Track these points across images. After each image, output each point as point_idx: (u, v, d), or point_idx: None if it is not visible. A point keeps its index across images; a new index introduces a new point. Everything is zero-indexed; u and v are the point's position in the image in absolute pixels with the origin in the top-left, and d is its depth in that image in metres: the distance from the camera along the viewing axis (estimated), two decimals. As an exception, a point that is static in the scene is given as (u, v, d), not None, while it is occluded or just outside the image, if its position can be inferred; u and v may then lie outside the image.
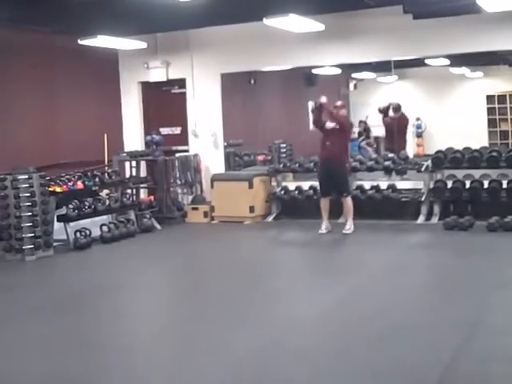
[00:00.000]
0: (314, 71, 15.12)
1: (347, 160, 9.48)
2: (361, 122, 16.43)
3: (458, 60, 13.26)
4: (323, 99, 9.29)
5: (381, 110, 12.40)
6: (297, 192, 10.74)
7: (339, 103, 9.55)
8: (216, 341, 5.05)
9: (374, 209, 10.20)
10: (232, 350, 4.83)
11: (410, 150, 14.32)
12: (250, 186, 10.67)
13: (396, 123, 11.81)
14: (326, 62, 11.60)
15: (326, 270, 7.34)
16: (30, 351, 5.06)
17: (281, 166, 11.18)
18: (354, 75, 16.86)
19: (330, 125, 9.20)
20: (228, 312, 5.81)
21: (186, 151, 11.74)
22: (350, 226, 9.18)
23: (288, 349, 4.82)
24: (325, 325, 5.36)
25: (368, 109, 16.61)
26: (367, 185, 10.42)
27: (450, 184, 9.81)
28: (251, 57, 11.12)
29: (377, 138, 17.17)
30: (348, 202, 9.27)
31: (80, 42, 10.10)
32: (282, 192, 10.80)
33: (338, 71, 14.98)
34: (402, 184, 10.46)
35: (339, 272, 7.19)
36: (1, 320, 5.86)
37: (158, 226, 10.33)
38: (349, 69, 14.83)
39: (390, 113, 11.85)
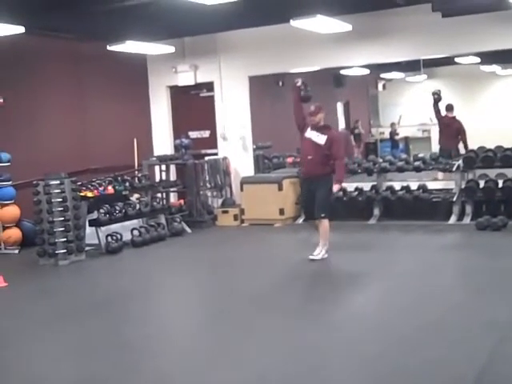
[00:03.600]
0: (342, 72, 15.06)
1: (340, 176, 7.82)
2: (392, 123, 16.34)
3: (488, 57, 13.09)
4: (299, 83, 7.98)
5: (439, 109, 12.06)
6: (326, 194, 10.68)
7: (313, 108, 7.80)
8: (248, 344, 5.03)
9: (404, 210, 10.12)
10: (265, 352, 4.81)
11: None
12: (280, 189, 10.65)
13: (452, 122, 11.71)
14: (354, 62, 11.54)
15: (358, 271, 7.27)
16: (64, 353, 5.12)
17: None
18: (382, 75, 16.76)
19: (313, 137, 7.72)
20: (261, 315, 5.79)
21: (215, 154, 11.77)
22: (319, 252, 7.70)
23: (327, 350, 4.79)
24: (360, 325, 5.32)
25: (398, 109, 16.52)
26: (397, 185, 10.34)
27: (482, 184, 9.69)
28: (279, 59, 11.12)
29: (406, 138, 17.07)
30: (324, 224, 7.74)
31: (109, 47, 10.20)
32: (312, 194, 10.74)
33: (367, 71, 14.90)
34: (432, 184, 10.35)
35: (371, 273, 7.12)
36: (36, 323, 5.93)
37: (188, 230, 10.36)
38: (377, 69, 14.72)
39: (444, 112, 11.78)
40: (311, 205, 7.76)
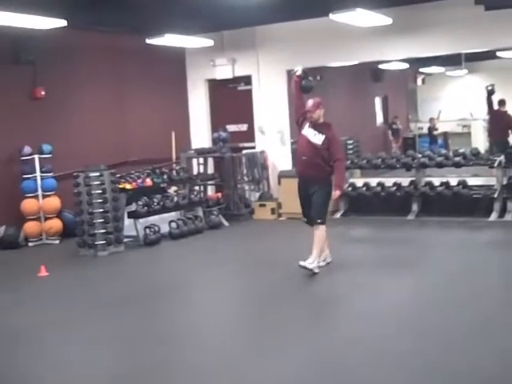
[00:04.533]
0: (381, 66, 14.93)
1: (340, 180, 7.06)
2: (431, 118, 16.15)
3: (532, 52, 12.84)
4: (299, 71, 7.17)
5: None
6: (364, 188, 10.62)
7: (310, 104, 6.92)
8: (288, 337, 5.03)
9: (443, 206, 9.99)
10: (306, 346, 4.81)
11: (481, 145, 13.98)
12: (317, 183, 10.59)
13: (503, 116, 11.83)
14: (394, 56, 11.42)
15: (398, 268, 7.20)
16: (101, 342, 5.19)
17: (348, 162, 11.05)
18: (421, 70, 16.57)
19: (310, 136, 6.88)
20: (301, 308, 5.79)
21: (253, 148, 11.77)
22: (313, 260, 6.82)
23: (368, 345, 4.77)
24: (399, 323, 5.27)
25: (437, 104, 16.31)
26: (436, 181, 10.21)
27: (524, 180, 9.54)
28: (317, 53, 11.05)
29: (445, 133, 16.85)
30: (320, 231, 6.93)
31: (148, 41, 10.26)
32: (350, 189, 10.70)
33: (406, 66, 14.75)
34: (473, 180, 10.20)
35: (411, 271, 7.05)
36: (75, 312, 6.02)
37: (225, 223, 10.40)
38: (417, 63, 14.55)
39: (496, 106, 11.88)
40: (308, 209, 7.03)
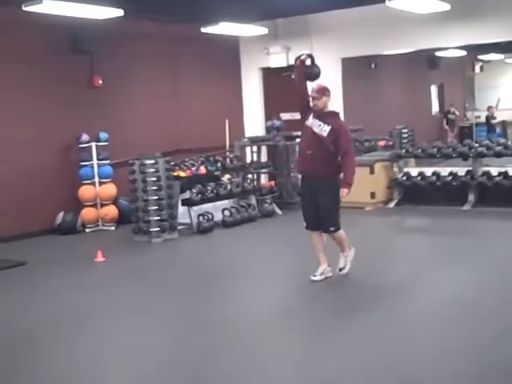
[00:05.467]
0: (437, 54, 14.67)
1: (349, 177, 6.06)
2: (489, 107, 15.80)
3: None
4: (303, 56, 6.39)
5: None
6: (419, 178, 10.48)
7: (315, 89, 6.17)
8: (343, 328, 5.02)
9: (501, 196, 9.78)
10: (359, 337, 4.79)
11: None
12: (372, 172, 10.52)
13: None
14: (452, 43, 11.21)
15: (454, 259, 7.08)
16: (154, 328, 5.25)
17: (403, 151, 10.93)
18: (480, 57, 16.22)
19: (314, 127, 6.10)
20: (357, 299, 5.76)
21: (306, 136, 11.70)
22: (344, 264, 6.41)
23: (416, 336, 4.73)
24: (449, 317, 5.20)
25: (495, 92, 15.96)
26: (494, 171, 9.99)
27: None
28: (372, 40, 10.93)
29: (504, 122, 16.49)
30: (339, 235, 6.33)
31: (202, 29, 10.31)
32: (404, 178, 10.57)
33: (463, 53, 14.46)
34: (532, 170, 9.95)
35: (465, 262, 6.92)
36: (129, 297, 6.14)
37: (278, 211, 10.41)
38: (474, 50, 14.27)
39: None
40: (312, 212, 6.27)
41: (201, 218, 9.17)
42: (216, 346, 4.75)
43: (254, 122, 12.44)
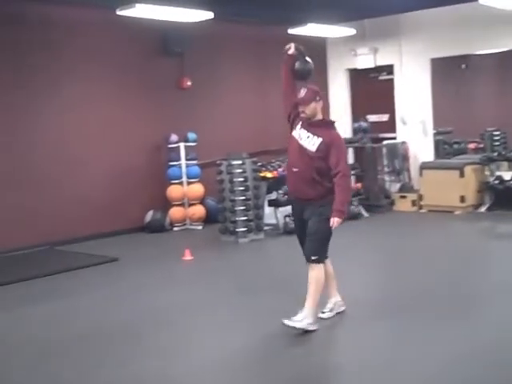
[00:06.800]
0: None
1: (341, 203, 4.88)
2: None
3: None
4: (291, 49, 5.34)
5: None
6: (512, 182, 10.13)
7: (302, 93, 5.03)
8: (431, 334, 4.90)
9: None
10: (449, 345, 4.65)
11: None
12: (461, 175, 10.23)
13: None
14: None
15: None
16: (245, 326, 5.26)
17: (495, 154, 10.58)
18: None
19: (302, 139, 5.03)
20: (441, 306, 5.62)
21: (394, 138, 11.56)
22: (304, 316, 4.96)
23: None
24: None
25: None
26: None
27: None
28: (464, 40, 10.64)
29: None
30: (316, 272, 5.07)
31: (290, 31, 10.32)
32: (497, 182, 10.23)
33: None
34: None
35: None
36: (217, 297, 6.19)
37: (365, 214, 10.29)
38: None
39: None
40: (303, 236, 5.17)
41: (287, 218, 9.16)
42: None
43: (341, 123, 12.30)
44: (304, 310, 4.99)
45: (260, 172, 9.13)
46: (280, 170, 9.41)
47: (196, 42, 10.14)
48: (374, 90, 12.12)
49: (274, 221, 9.26)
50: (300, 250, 5.28)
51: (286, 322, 4.91)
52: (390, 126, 11.79)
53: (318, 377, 4.24)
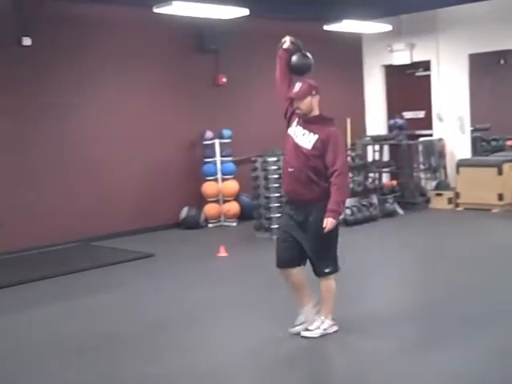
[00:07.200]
0: None
1: (337, 202, 4.57)
2: None
3: None
4: (286, 44, 5.03)
5: None
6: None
7: (297, 87, 4.77)
8: (464, 335, 4.84)
9: None
10: (477, 346, 4.59)
11: None
12: (500, 173, 10.08)
13: None
14: None
15: None
16: (271, 323, 5.21)
17: (534, 154, 10.42)
18: None
19: (297, 137, 4.77)
20: (478, 306, 5.55)
21: (430, 135, 11.44)
22: (317, 326, 4.81)
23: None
24: None
25: None
26: None
27: None
28: (503, 35, 10.48)
29: None
30: (328, 284, 4.82)
31: (325, 27, 10.28)
32: (536, 183, 10.06)
33: None
34: None
35: None
36: (249, 292, 6.20)
37: (400, 211, 10.21)
38: None
39: None
40: (290, 245, 4.74)
41: (321, 216, 9.12)
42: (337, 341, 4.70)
43: (376, 120, 12.27)
44: (315, 323, 4.81)
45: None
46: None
47: (231, 38, 10.15)
48: (410, 86, 12.01)
49: (308, 218, 9.22)
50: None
51: (303, 333, 4.78)
52: (427, 122, 11.67)
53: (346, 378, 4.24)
